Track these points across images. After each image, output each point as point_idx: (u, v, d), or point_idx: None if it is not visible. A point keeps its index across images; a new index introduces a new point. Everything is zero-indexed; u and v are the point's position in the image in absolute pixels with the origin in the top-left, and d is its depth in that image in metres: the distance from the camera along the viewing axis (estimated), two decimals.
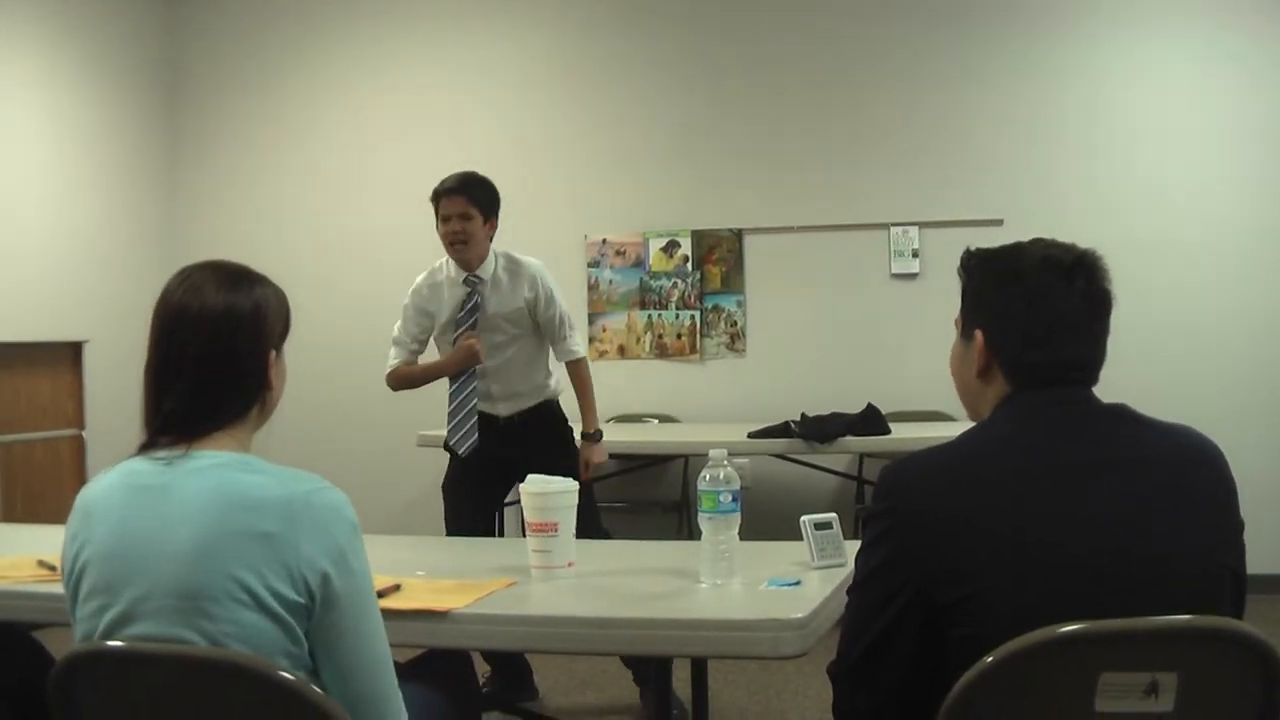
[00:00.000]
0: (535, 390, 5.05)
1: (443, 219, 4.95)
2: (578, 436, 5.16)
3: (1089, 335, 2.12)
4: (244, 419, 2.20)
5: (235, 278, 2.22)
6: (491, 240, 5.03)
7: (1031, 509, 1.96)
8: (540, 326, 5.04)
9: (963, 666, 1.86)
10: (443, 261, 5.07)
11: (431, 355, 5.16)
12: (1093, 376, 2.13)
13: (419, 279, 5.13)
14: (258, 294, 2.22)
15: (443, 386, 7.62)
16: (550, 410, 5.11)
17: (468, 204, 4.92)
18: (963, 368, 2.23)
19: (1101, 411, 2.09)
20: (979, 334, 2.16)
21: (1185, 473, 2.04)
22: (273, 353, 2.22)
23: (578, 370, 5.16)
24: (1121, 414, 2.09)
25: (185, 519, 2.05)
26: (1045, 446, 2.04)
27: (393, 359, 5.14)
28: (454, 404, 5.01)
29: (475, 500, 5.04)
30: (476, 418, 4.98)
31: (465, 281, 4.99)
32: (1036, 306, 2.10)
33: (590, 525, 4.95)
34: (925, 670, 1.98)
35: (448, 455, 5.11)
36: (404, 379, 5.16)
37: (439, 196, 4.97)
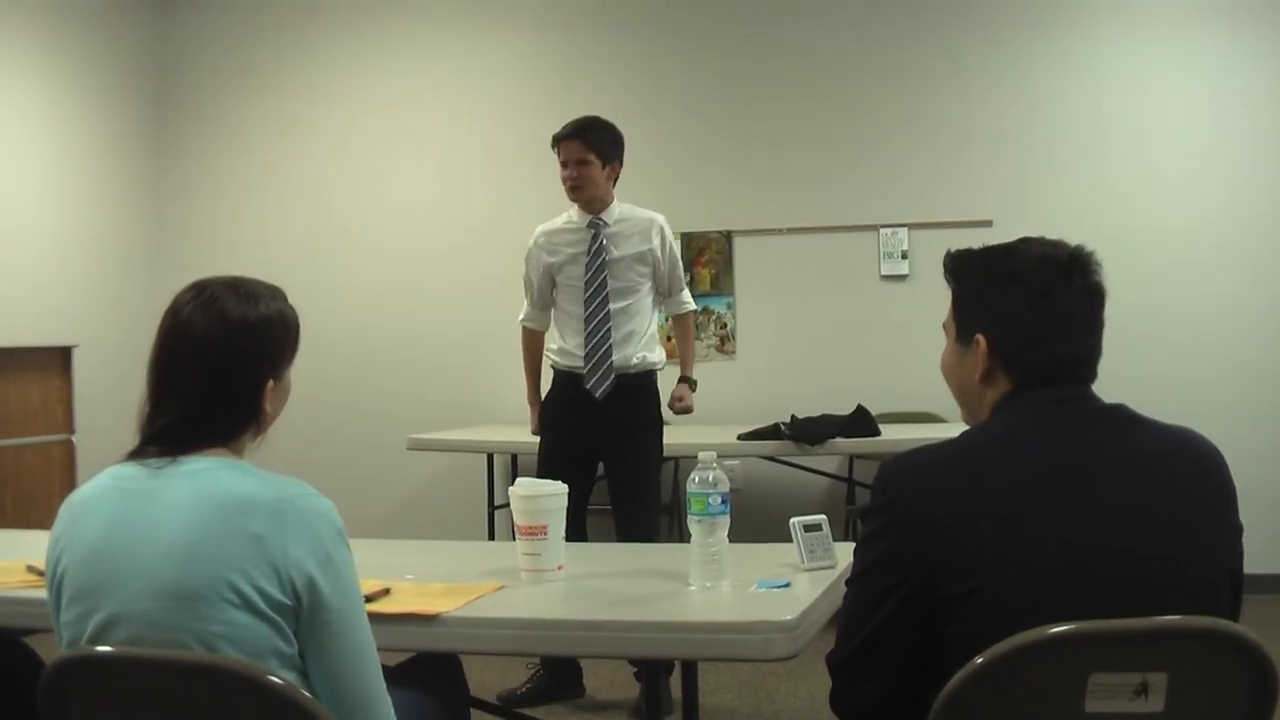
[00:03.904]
0: (641, 345, 5.09)
1: (561, 164, 5.04)
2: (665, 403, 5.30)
3: (1089, 331, 2.13)
4: (238, 439, 2.21)
5: (244, 299, 2.21)
6: (614, 183, 5.11)
7: (1030, 507, 1.97)
8: (658, 278, 5.16)
9: (959, 662, 1.86)
10: (568, 210, 5.17)
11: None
12: (1092, 373, 2.14)
13: (539, 228, 5.22)
14: (264, 319, 2.21)
15: (436, 386, 7.65)
16: (647, 383, 5.14)
17: (584, 149, 5.01)
18: (961, 372, 2.22)
19: (1101, 411, 2.10)
20: (981, 339, 2.15)
21: (1185, 474, 2.04)
22: (271, 382, 2.21)
23: (685, 322, 5.39)
24: (1121, 414, 2.10)
25: (174, 519, 2.05)
26: (1045, 445, 2.04)
27: (523, 315, 5.35)
28: (589, 348, 5.03)
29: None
30: (612, 361, 5.02)
31: (589, 225, 5.07)
32: (1040, 307, 2.10)
33: (649, 506, 5.10)
34: (922, 665, 1.99)
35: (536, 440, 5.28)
36: (526, 348, 5.37)
37: (556, 142, 5.06)
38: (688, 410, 5.34)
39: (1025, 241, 2.18)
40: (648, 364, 5.11)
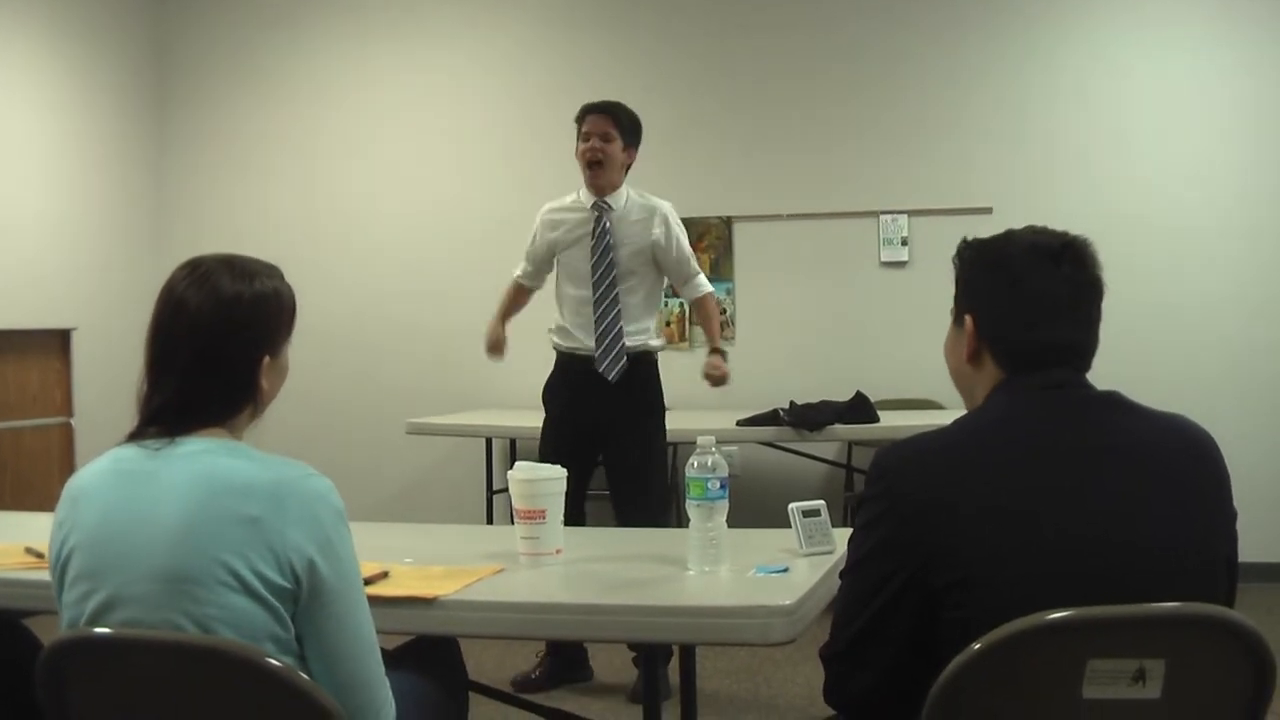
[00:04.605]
0: (639, 332, 5.07)
1: (584, 137, 5.01)
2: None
3: (1076, 320, 2.13)
4: (234, 418, 2.20)
5: (239, 276, 2.20)
6: (627, 172, 5.10)
7: (1025, 494, 1.97)
8: (664, 268, 5.12)
9: (955, 649, 1.87)
10: (577, 190, 5.15)
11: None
12: (1084, 363, 2.14)
13: (546, 205, 5.22)
14: (258, 295, 2.20)
15: (435, 371, 7.65)
16: (647, 364, 5.11)
17: (611, 125, 4.99)
18: (954, 354, 2.24)
19: (1094, 398, 2.10)
20: (968, 318, 2.17)
21: (1179, 462, 2.05)
22: (266, 358, 2.20)
23: (705, 303, 5.24)
24: (1114, 401, 2.10)
25: (171, 502, 2.05)
26: (1039, 432, 2.04)
27: (517, 271, 5.33)
28: (599, 331, 5.02)
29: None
30: (624, 344, 5.01)
31: (593, 206, 5.05)
32: (1022, 291, 2.11)
33: (652, 490, 5.11)
34: (918, 653, 1.99)
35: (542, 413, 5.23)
36: (510, 295, 5.37)
37: (585, 113, 5.04)
38: (721, 377, 5.20)
39: (1026, 228, 2.20)
40: (646, 347, 5.09)
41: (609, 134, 4.98)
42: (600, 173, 5.00)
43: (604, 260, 5.03)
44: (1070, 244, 2.13)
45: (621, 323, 5.02)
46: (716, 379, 5.20)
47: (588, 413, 5.04)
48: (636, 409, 5.06)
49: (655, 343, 5.14)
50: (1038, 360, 2.10)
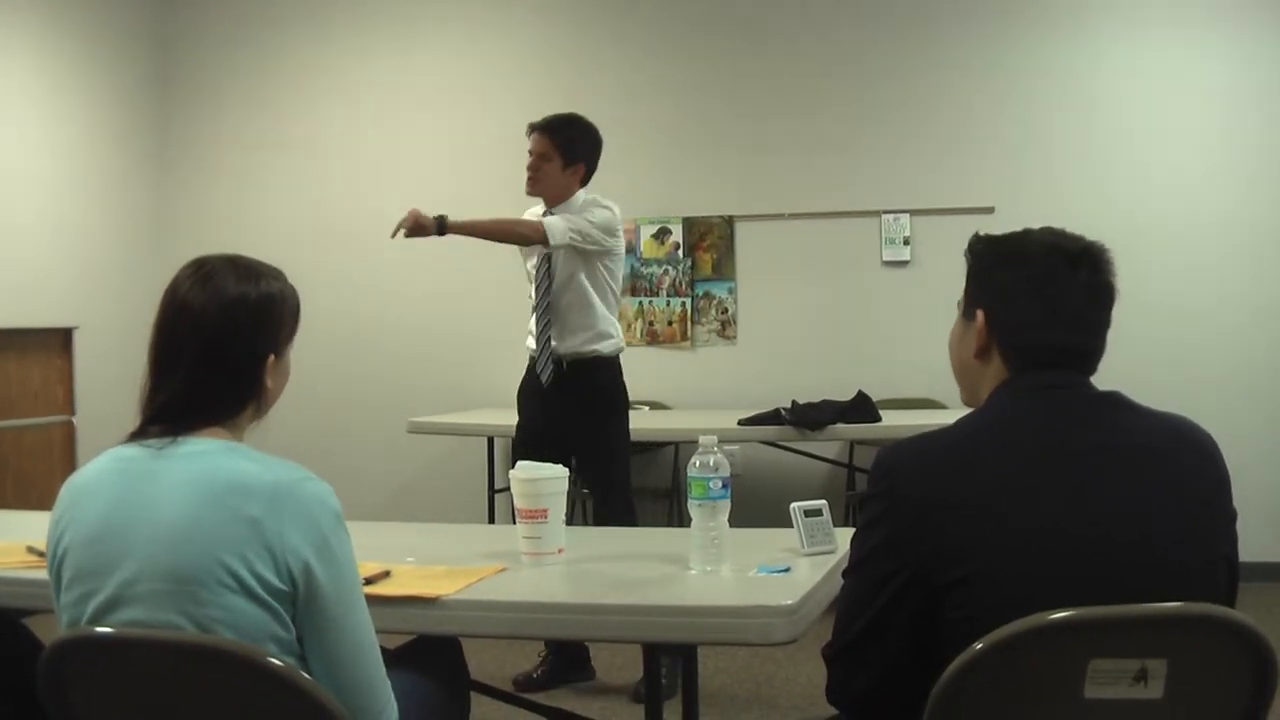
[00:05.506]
0: (588, 333, 5.05)
1: (528, 152, 5.02)
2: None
3: (1089, 324, 2.14)
4: (237, 417, 2.21)
5: (244, 276, 2.21)
6: (581, 184, 5.07)
7: (1027, 493, 1.97)
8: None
9: (957, 648, 1.87)
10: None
11: None
12: (1091, 366, 2.14)
13: (529, 209, 5.23)
14: (264, 296, 2.21)
15: (436, 370, 7.65)
16: (600, 368, 5.10)
17: (547, 143, 4.99)
18: (961, 347, 2.24)
19: (1097, 398, 2.10)
20: (980, 314, 2.18)
21: (1180, 462, 2.05)
22: (271, 357, 2.21)
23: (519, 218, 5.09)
24: (1116, 401, 2.10)
25: (172, 501, 2.05)
26: (1041, 431, 2.05)
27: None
28: (537, 333, 5.08)
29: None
30: (553, 349, 5.02)
31: (544, 215, 5.05)
32: (1039, 290, 2.12)
33: (617, 484, 5.11)
34: (920, 652, 1.99)
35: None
36: None
37: (528, 131, 5.05)
38: (408, 219, 4.84)
39: (1044, 229, 2.21)
40: (596, 353, 5.08)
41: (545, 153, 4.99)
42: (537, 190, 5.05)
43: (543, 267, 5.07)
44: (1088, 248, 2.15)
45: (553, 330, 5.05)
46: (406, 220, 4.85)
47: (548, 416, 5.08)
48: (592, 414, 5.07)
49: (606, 347, 5.11)
50: (1045, 361, 2.11)
